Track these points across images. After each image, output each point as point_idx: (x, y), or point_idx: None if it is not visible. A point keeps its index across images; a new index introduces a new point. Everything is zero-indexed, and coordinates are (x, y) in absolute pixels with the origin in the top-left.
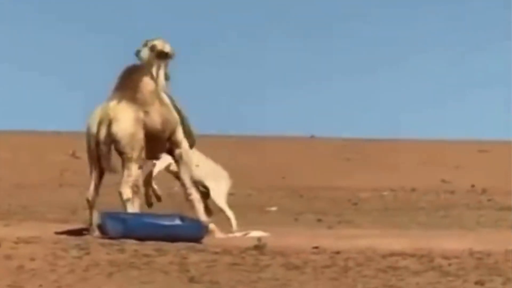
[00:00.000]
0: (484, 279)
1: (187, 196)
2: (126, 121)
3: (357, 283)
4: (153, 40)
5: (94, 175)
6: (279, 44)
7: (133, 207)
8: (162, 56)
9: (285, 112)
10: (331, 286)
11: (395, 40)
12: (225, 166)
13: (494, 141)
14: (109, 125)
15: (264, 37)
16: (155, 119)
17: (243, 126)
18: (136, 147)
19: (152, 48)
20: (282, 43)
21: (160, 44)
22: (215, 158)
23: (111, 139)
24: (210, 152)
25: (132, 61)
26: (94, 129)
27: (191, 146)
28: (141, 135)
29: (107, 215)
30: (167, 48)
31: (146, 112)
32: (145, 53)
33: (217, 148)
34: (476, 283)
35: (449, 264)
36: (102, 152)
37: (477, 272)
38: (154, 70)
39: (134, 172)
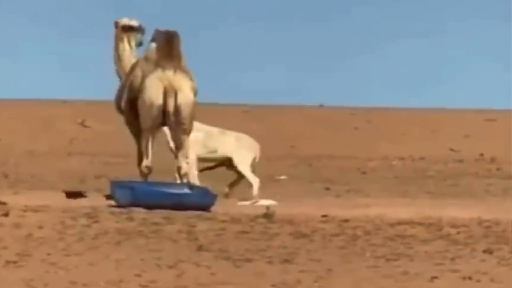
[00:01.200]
0: (492, 247)
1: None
2: (188, 91)
3: (366, 251)
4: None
5: (151, 144)
6: (288, 13)
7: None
8: (126, 29)
9: (294, 81)
10: (340, 255)
11: (402, 9)
12: None
13: (501, 110)
14: (175, 96)
15: (271, 5)
16: (195, 86)
17: (252, 95)
18: (192, 119)
19: (116, 25)
20: (290, 12)
21: (122, 20)
22: (224, 127)
23: (177, 110)
24: (219, 121)
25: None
26: (159, 100)
27: None
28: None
29: (116, 184)
30: (132, 22)
31: (191, 80)
32: (114, 32)
33: (225, 117)
34: (485, 251)
35: (458, 233)
36: (172, 123)
37: (485, 240)
38: (123, 43)
39: (187, 144)
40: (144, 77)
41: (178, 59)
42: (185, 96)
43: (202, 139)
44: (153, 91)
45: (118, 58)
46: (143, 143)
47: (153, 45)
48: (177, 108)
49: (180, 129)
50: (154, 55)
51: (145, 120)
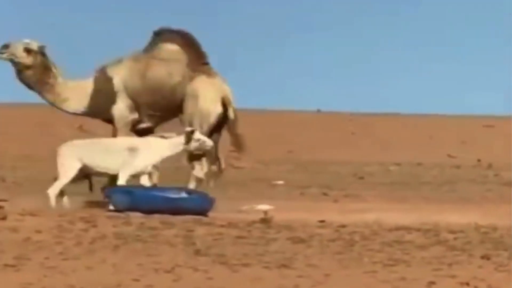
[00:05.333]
0: (490, 253)
1: None
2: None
3: (363, 256)
4: None
5: None
6: (288, 19)
7: None
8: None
9: (291, 86)
10: (337, 260)
11: (399, 13)
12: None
13: (499, 116)
14: (228, 107)
15: (273, 10)
16: None
17: (250, 100)
18: None
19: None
20: (291, 19)
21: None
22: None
23: (233, 120)
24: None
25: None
26: (219, 109)
27: None
28: None
29: (114, 188)
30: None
31: None
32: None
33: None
34: (482, 257)
35: (455, 238)
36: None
37: (483, 246)
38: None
39: None
40: (185, 81)
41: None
42: (235, 110)
43: None
44: (213, 102)
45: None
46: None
47: (169, 45)
48: (233, 119)
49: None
50: (181, 56)
51: (202, 126)
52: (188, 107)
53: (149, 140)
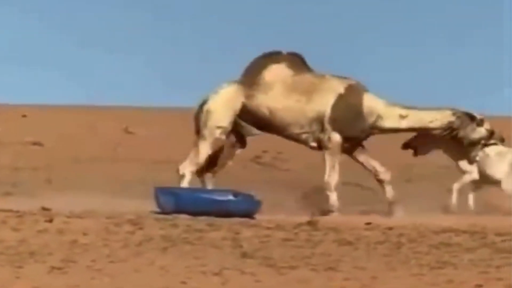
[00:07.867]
0: None
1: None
2: None
3: (410, 259)
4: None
5: None
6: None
7: None
8: None
9: None
10: (384, 262)
11: (460, 15)
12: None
13: None
14: None
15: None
16: None
17: None
18: None
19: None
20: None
21: None
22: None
23: None
24: None
25: None
26: None
27: None
28: None
29: (160, 190)
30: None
31: None
32: None
33: None
34: None
35: (503, 241)
36: None
37: None
38: None
39: None
40: None
41: None
42: None
43: None
44: None
45: None
46: None
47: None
48: None
49: None
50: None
51: None
52: None
53: None
